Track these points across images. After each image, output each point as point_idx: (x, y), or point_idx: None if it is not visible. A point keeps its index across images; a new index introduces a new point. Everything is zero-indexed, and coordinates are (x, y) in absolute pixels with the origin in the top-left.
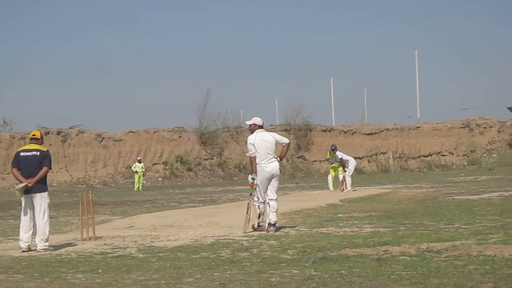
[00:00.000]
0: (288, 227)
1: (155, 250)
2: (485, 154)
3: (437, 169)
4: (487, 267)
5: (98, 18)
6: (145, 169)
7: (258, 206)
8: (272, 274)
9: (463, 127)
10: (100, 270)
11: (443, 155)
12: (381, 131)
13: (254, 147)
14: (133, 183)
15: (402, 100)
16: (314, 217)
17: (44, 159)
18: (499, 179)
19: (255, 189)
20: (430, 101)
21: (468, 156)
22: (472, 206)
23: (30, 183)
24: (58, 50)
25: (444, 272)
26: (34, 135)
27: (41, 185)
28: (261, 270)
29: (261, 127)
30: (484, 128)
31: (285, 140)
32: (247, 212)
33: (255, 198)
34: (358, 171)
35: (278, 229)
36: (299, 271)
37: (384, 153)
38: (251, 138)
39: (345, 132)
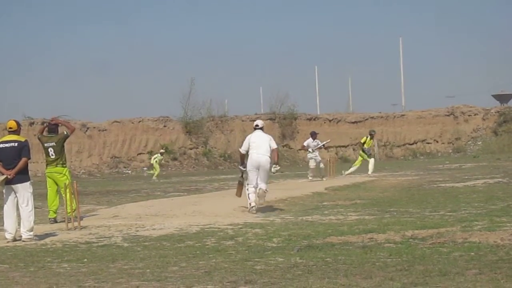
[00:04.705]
0: (274, 215)
1: (140, 239)
2: (470, 142)
3: (422, 157)
4: (472, 253)
5: (82, 11)
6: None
7: (247, 189)
8: (257, 262)
9: (448, 115)
10: (85, 260)
11: (428, 143)
12: (366, 119)
13: (249, 143)
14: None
15: (387, 88)
16: (299, 205)
17: (22, 150)
18: (484, 167)
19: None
20: (415, 89)
21: (453, 144)
22: (457, 193)
23: (10, 174)
24: (45, 43)
25: (429, 259)
26: (10, 127)
27: (22, 176)
28: (246, 258)
29: (261, 128)
30: (469, 115)
31: (274, 145)
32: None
33: (246, 182)
34: (343, 159)
35: (263, 212)
36: (284, 259)
37: None
38: (249, 136)
39: (330, 121)
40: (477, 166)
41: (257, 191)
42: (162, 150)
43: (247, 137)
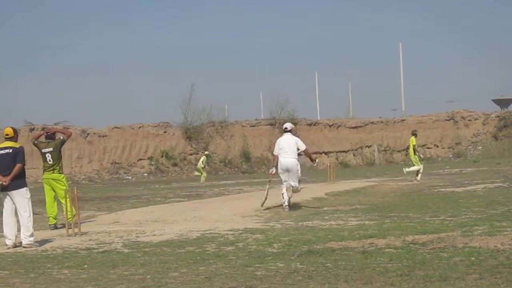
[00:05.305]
0: (274, 220)
1: (141, 245)
2: (470, 147)
3: (422, 162)
4: (473, 258)
5: (84, 15)
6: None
7: (281, 188)
8: (258, 267)
9: (448, 120)
10: (86, 266)
11: (428, 148)
12: (366, 125)
13: (278, 146)
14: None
15: (387, 93)
16: (299, 210)
17: (17, 156)
18: (484, 171)
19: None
20: (415, 94)
21: (453, 149)
22: (457, 198)
23: (5, 181)
24: (44, 48)
25: (429, 264)
26: (7, 134)
27: (18, 182)
28: (246, 263)
29: (289, 131)
30: (469, 120)
31: (302, 147)
32: (266, 193)
33: (268, 187)
34: (343, 164)
35: (292, 207)
36: (284, 264)
37: (369, 146)
38: (278, 139)
39: (330, 126)
40: (477, 171)
41: (291, 188)
42: (206, 152)
43: (277, 141)
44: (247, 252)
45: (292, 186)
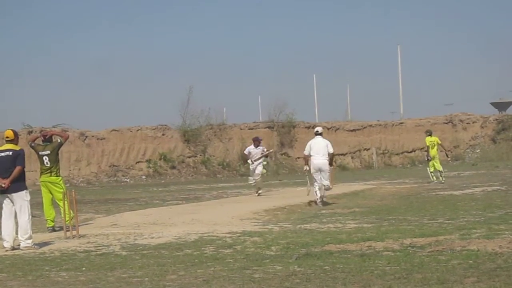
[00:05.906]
0: (272, 223)
1: (139, 248)
2: (469, 150)
3: (420, 165)
4: (471, 261)
5: (83, 17)
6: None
7: (314, 187)
8: (256, 270)
9: (446, 123)
10: (84, 268)
11: (427, 151)
12: (364, 128)
13: (310, 147)
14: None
15: (385, 96)
16: (297, 213)
17: (17, 158)
18: (482, 175)
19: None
20: (413, 97)
21: (451, 152)
22: (455, 201)
23: (4, 184)
24: (42, 50)
25: (427, 267)
26: (7, 137)
27: (17, 184)
28: (244, 266)
29: (320, 134)
30: (467, 123)
31: (330, 151)
32: (308, 185)
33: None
34: (341, 167)
35: (325, 203)
36: (282, 267)
37: (367, 149)
38: (310, 141)
39: (328, 129)
40: (476, 174)
41: (323, 187)
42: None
43: (309, 142)
44: (245, 255)
45: (324, 185)
